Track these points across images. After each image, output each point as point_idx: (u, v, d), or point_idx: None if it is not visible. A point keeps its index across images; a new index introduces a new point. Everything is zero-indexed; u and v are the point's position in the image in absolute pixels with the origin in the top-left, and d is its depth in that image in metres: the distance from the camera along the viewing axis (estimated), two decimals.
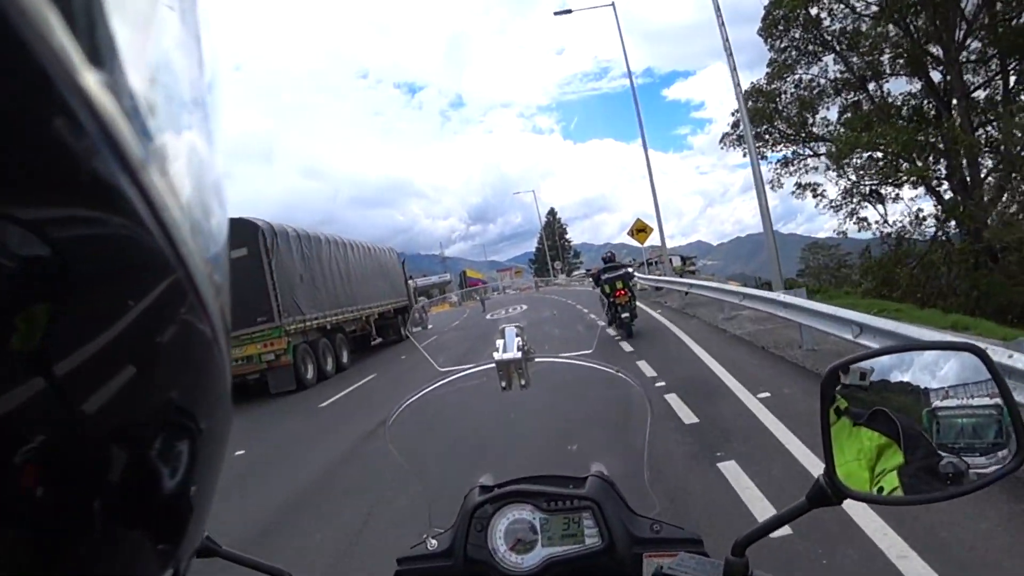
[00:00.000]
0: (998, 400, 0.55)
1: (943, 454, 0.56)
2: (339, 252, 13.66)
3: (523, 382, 0.83)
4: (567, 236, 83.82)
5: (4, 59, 0.15)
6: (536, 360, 0.85)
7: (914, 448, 0.56)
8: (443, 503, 0.89)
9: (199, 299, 0.21)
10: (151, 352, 0.19)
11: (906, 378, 0.58)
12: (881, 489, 0.58)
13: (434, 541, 0.82)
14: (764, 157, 20.40)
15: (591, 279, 15.49)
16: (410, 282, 19.08)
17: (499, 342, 0.84)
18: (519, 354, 0.82)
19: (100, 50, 0.17)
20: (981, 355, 0.56)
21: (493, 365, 0.84)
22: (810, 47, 19.68)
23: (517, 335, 0.84)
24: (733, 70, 10.93)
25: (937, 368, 0.58)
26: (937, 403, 0.56)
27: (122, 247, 0.18)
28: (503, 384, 0.84)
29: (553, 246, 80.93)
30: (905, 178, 17.95)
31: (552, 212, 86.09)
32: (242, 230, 9.95)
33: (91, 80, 0.16)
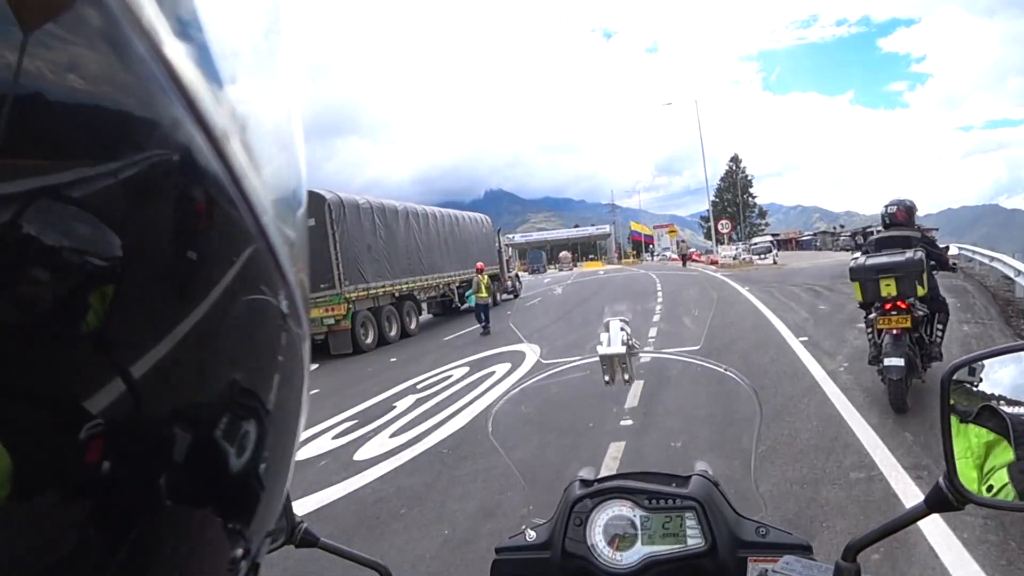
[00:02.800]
0: None
1: None
2: (418, 222, 14.30)
3: (626, 376, 0.83)
4: (751, 191, 70.19)
5: (92, 30, 0.15)
6: (641, 355, 0.85)
7: None
8: (544, 496, 0.89)
9: (279, 270, 0.21)
10: (214, 330, 0.19)
11: None
12: (991, 488, 0.56)
13: (533, 533, 0.82)
14: None
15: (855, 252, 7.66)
16: (506, 248, 20.02)
17: (603, 335, 0.83)
18: (623, 348, 0.81)
19: (185, 23, 0.17)
20: None
21: (597, 359, 0.83)
22: None
23: (622, 328, 0.83)
24: None
25: None
26: None
27: (203, 219, 0.18)
28: (606, 378, 0.83)
29: (733, 202, 67.69)
30: None
31: (735, 159, 72.06)
32: (310, 202, 10.63)
33: (177, 52, 0.17)
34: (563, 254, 70.10)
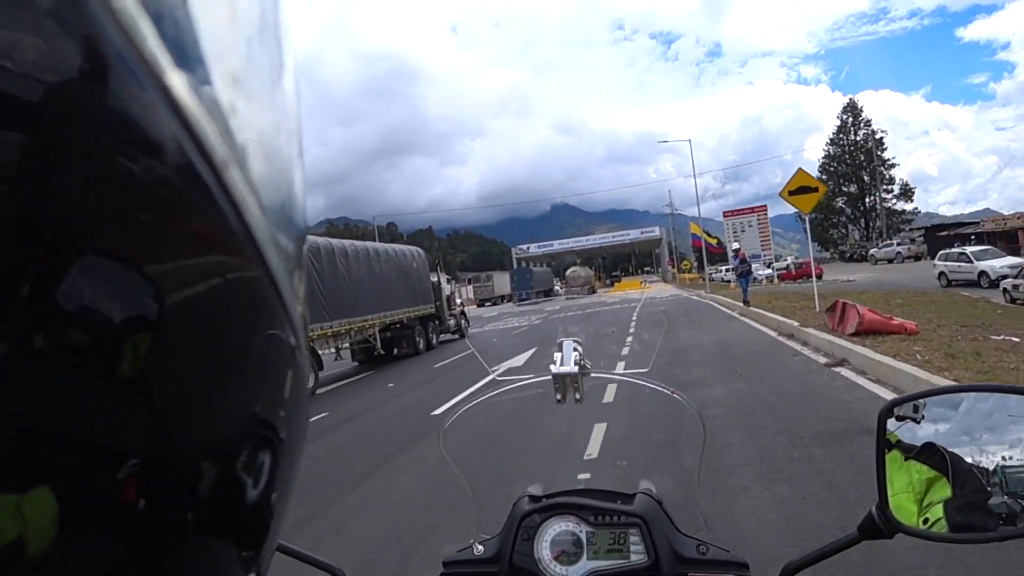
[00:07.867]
0: None
1: (992, 491, 0.57)
2: (321, 260, 11.48)
3: (578, 396, 0.84)
4: (882, 154, 43.66)
5: (94, 63, 0.15)
6: (592, 375, 0.87)
7: (963, 483, 0.58)
8: (492, 510, 0.90)
9: (282, 303, 0.21)
10: (238, 366, 0.20)
11: (972, 418, 0.60)
12: (927, 521, 0.59)
13: (481, 547, 0.84)
14: None
15: None
16: (448, 285, 17.67)
17: (557, 355, 0.85)
18: (576, 368, 0.83)
19: (187, 51, 0.17)
20: None
21: (549, 377, 0.84)
22: None
23: (575, 349, 0.85)
24: None
25: (1007, 411, 0.59)
26: (1005, 455, 0.57)
27: (207, 252, 0.18)
28: (558, 397, 0.84)
29: (853, 175, 42.71)
30: None
31: (851, 107, 46.72)
32: None
33: (177, 82, 0.17)
34: (571, 271, 47.94)
